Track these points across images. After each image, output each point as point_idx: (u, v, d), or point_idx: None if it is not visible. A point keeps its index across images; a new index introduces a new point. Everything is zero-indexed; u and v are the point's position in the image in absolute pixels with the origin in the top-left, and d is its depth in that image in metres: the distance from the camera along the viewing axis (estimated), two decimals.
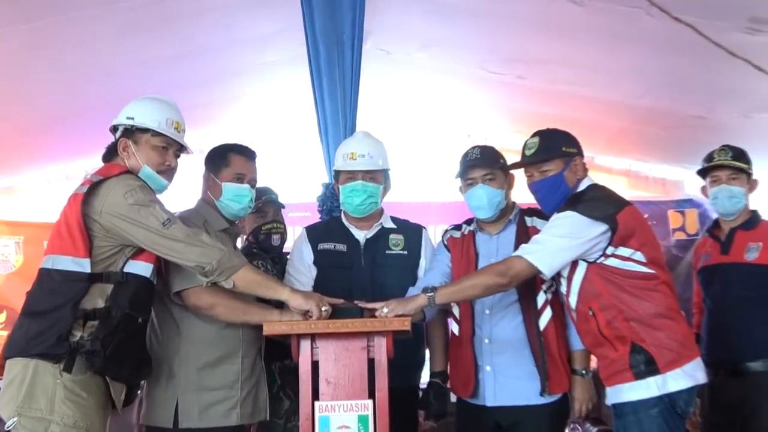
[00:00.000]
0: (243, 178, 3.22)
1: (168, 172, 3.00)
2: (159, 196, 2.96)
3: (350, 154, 3.35)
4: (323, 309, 2.79)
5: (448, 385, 3.35)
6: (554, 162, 3.03)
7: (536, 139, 3.07)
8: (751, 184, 3.63)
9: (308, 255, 3.43)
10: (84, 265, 2.70)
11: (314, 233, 3.51)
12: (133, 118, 2.94)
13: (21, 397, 2.62)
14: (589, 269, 2.90)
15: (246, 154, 3.30)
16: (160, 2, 4.91)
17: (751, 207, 3.69)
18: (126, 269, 2.79)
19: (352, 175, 3.35)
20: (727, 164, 3.59)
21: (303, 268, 3.41)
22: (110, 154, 2.99)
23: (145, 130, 2.93)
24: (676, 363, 2.80)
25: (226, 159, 3.24)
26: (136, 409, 3.11)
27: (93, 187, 2.77)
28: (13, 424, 2.61)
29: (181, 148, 3.04)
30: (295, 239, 3.61)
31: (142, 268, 2.83)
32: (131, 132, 2.93)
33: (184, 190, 3.50)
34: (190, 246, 2.76)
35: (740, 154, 3.62)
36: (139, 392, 3.10)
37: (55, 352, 2.63)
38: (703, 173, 3.72)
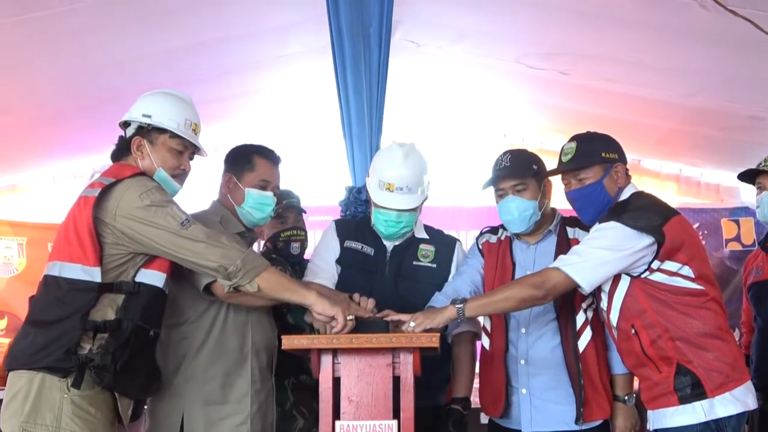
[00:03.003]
0: (267, 186, 3.22)
1: (181, 176, 3.02)
2: None
3: (387, 184, 3.26)
4: (348, 318, 2.79)
5: (476, 408, 3.33)
6: (592, 169, 3.01)
7: (573, 144, 3.05)
8: None
9: (334, 249, 3.43)
10: (94, 275, 2.71)
11: (343, 228, 3.50)
12: (150, 116, 2.94)
13: (26, 411, 2.64)
14: (633, 284, 2.88)
15: (272, 158, 3.30)
16: None
17: None
18: (138, 278, 2.81)
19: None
20: None
21: (329, 259, 3.41)
22: (120, 152, 3.00)
23: (162, 131, 2.94)
24: (725, 387, 2.78)
25: (251, 162, 3.24)
26: (143, 427, 3.13)
27: (105, 190, 2.78)
28: None
29: (195, 150, 3.06)
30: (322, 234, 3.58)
31: (154, 277, 2.84)
32: (146, 131, 2.94)
33: (195, 190, 3.52)
34: (211, 247, 2.77)
35: None
36: (145, 407, 3.13)
37: (62, 366, 2.65)
38: (750, 180, 3.68)
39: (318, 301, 2.85)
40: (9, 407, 2.70)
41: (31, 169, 7.54)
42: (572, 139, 3.09)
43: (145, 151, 2.94)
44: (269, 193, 3.22)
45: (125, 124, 3.01)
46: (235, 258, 2.78)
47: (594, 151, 3.02)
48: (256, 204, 3.20)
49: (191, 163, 3.08)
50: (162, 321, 2.96)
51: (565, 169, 3.06)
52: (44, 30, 4.86)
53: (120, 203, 2.76)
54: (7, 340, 7.15)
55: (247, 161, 3.24)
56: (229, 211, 3.23)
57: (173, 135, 2.95)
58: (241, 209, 3.21)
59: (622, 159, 3.07)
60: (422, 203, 3.37)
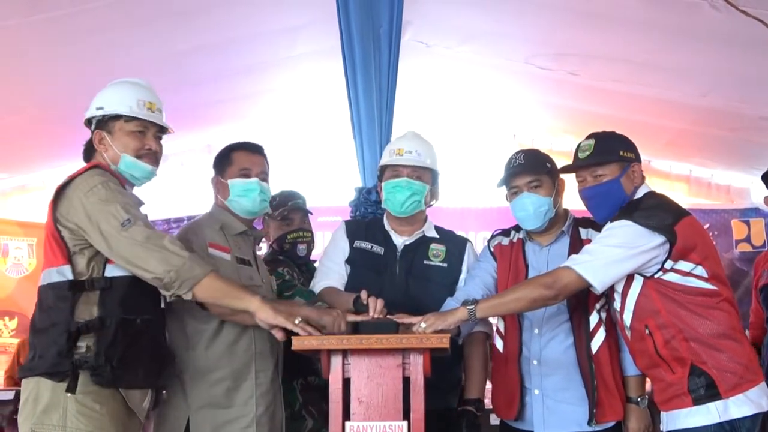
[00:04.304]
0: (249, 173, 3.20)
1: (150, 156, 2.96)
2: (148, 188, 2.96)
3: (397, 149, 3.36)
4: (297, 321, 2.71)
5: (488, 409, 3.32)
6: (610, 167, 3.00)
7: (591, 141, 3.04)
8: None
9: (344, 249, 3.43)
10: (66, 273, 2.72)
11: (353, 228, 3.50)
12: (102, 108, 2.92)
13: (36, 414, 2.67)
14: (646, 284, 2.86)
15: (248, 148, 3.29)
16: None
17: None
18: (107, 273, 2.77)
19: (396, 171, 3.35)
20: None
21: (338, 259, 3.41)
22: (88, 152, 2.99)
23: (117, 117, 2.91)
24: (739, 388, 2.75)
25: (229, 157, 3.25)
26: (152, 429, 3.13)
27: (59, 190, 2.77)
28: None
29: (161, 130, 3.02)
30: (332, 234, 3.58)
31: (121, 269, 2.78)
32: (104, 122, 2.92)
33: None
34: (149, 251, 2.69)
35: None
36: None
37: (56, 371, 2.67)
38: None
39: (260, 307, 2.77)
40: (22, 412, 2.74)
41: (41, 169, 7.57)
42: (590, 137, 3.07)
43: (107, 143, 2.91)
44: (252, 180, 3.20)
45: (89, 123, 2.98)
46: (173, 264, 2.69)
47: (612, 149, 3.01)
48: (241, 192, 3.18)
49: (163, 143, 3.04)
50: (150, 306, 2.87)
51: (582, 164, 3.04)
52: (55, 31, 4.87)
53: (70, 202, 2.74)
54: (16, 340, 7.19)
55: (226, 158, 3.26)
56: (226, 211, 3.22)
57: (129, 118, 2.91)
58: (230, 202, 3.20)
59: (638, 159, 3.06)
60: (433, 181, 3.39)
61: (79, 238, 2.74)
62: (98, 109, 2.92)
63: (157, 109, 2.98)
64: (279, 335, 2.77)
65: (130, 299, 2.78)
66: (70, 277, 2.71)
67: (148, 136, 2.95)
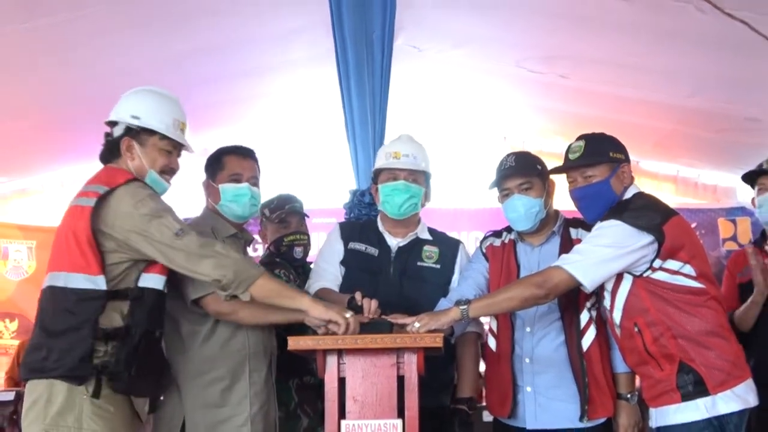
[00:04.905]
0: (240, 178, 3.20)
1: (170, 174, 3.00)
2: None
3: (394, 153, 3.35)
4: (347, 316, 2.76)
5: (481, 406, 3.32)
6: (600, 167, 3.00)
7: (581, 143, 3.04)
8: None
9: (338, 251, 3.43)
10: (99, 283, 2.70)
11: (347, 230, 3.50)
12: (139, 118, 2.90)
13: (49, 416, 2.64)
14: (635, 283, 2.86)
15: (240, 152, 3.28)
16: None
17: None
18: (140, 283, 2.80)
19: (393, 174, 3.35)
20: None
21: (333, 261, 3.40)
22: (110, 153, 2.96)
23: (152, 132, 2.91)
24: (727, 384, 2.76)
25: (220, 162, 3.24)
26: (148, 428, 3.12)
27: (101, 199, 2.76)
28: None
29: (182, 148, 3.04)
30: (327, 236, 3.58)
31: (155, 280, 2.83)
32: (135, 132, 2.91)
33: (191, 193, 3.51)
34: (205, 258, 2.75)
35: None
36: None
37: (77, 374, 2.65)
38: (751, 181, 3.66)
39: (312, 305, 2.81)
40: (29, 414, 2.70)
41: (41, 173, 7.57)
42: (580, 138, 3.07)
43: (135, 153, 2.90)
44: (243, 185, 3.20)
45: (112, 123, 2.97)
46: (229, 268, 2.75)
47: (603, 151, 3.01)
48: (232, 197, 3.19)
49: (180, 161, 3.05)
50: (164, 321, 2.95)
51: (573, 165, 3.04)
52: (52, 37, 4.87)
53: (118, 213, 2.74)
54: (17, 342, 7.17)
55: (217, 162, 3.25)
56: (216, 215, 3.22)
57: (163, 137, 2.92)
58: (221, 206, 3.20)
59: (628, 160, 3.06)
60: (426, 183, 3.40)
61: (122, 247, 2.75)
62: (134, 117, 2.90)
63: (186, 128, 3.01)
64: (341, 329, 2.74)
65: (154, 312, 2.82)
66: (104, 286, 2.70)
67: (174, 155, 2.98)
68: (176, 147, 2.97)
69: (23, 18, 4.57)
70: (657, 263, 2.80)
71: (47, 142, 6.56)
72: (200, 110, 6.70)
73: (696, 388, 2.75)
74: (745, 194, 6.94)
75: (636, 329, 2.86)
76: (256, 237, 3.88)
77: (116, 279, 2.75)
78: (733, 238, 7.74)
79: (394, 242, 3.39)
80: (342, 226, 3.54)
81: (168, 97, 3.00)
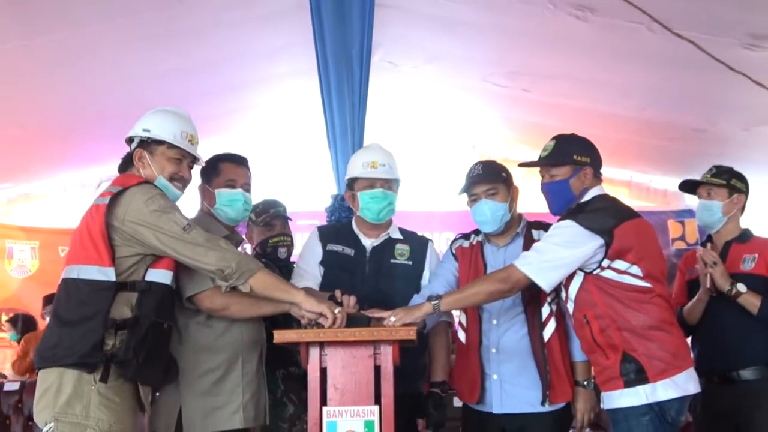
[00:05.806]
0: (235, 184, 3.22)
1: (181, 182, 3.01)
2: None
3: (371, 162, 3.35)
4: (336, 311, 2.77)
5: (451, 392, 3.33)
6: (563, 168, 3.02)
7: (553, 143, 3.07)
8: (736, 200, 3.53)
9: (317, 253, 3.44)
10: (109, 274, 2.71)
11: (325, 233, 3.51)
12: (149, 131, 2.94)
13: (59, 404, 2.63)
14: (586, 279, 2.89)
15: (235, 160, 3.30)
16: (175, 17, 4.94)
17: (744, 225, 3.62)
18: (147, 278, 2.80)
19: (371, 183, 3.36)
20: (705, 181, 3.57)
21: (312, 263, 3.42)
22: (126, 164, 3.00)
23: (161, 142, 2.94)
24: (666, 373, 2.79)
25: (217, 168, 3.25)
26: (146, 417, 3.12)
27: (114, 197, 2.78)
28: (49, 429, 2.63)
29: (193, 160, 3.06)
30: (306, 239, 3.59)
31: (162, 275, 2.83)
32: (147, 143, 2.94)
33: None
34: (210, 250, 2.77)
35: (723, 172, 3.56)
36: (157, 394, 3.12)
37: (88, 362, 2.65)
38: (689, 189, 3.69)
39: (306, 299, 2.83)
40: (41, 402, 2.69)
41: (43, 179, 7.52)
42: (554, 138, 3.10)
43: (146, 162, 2.93)
44: (238, 190, 3.22)
45: (130, 140, 3.01)
46: (231, 260, 2.78)
47: (568, 153, 3.03)
48: (227, 201, 3.20)
49: (192, 173, 3.08)
50: (174, 315, 2.95)
51: (540, 163, 3.08)
52: (53, 54, 4.85)
53: (128, 209, 2.76)
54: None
55: (213, 168, 3.26)
56: (210, 217, 3.23)
57: (171, 146, 2.94)
58: (216, 210, 3.21)
59: (594, 163, 3.07)
60: (398, 190, 3.42)
61: (132, 240, 2.75)
62: (144, 130, 2.93)
63: (195, 142, 3.02)
64: (329, 321, 2.76)
65: (163, 305, 2.82)
66: (113, 277, 2.71)
67: (183, 164, 2.98)
68: (185, 157, 2.98)
69: (24, 36, 4.55)
70: (605, 263, 2.83)
71: (49, 150, 6.51)
72: (193, 121, 6.70)
73: (638, 376, 2.79)
74: (692, 198, 6.99)
75: (585, 320, 2.90)
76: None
77: (126, 272, 2.75)
78: (682, 238, 7.84)
79: (368, 243, 3.40)
80: (320, 229, 3.54)
81: (178, 114, 3.03)
